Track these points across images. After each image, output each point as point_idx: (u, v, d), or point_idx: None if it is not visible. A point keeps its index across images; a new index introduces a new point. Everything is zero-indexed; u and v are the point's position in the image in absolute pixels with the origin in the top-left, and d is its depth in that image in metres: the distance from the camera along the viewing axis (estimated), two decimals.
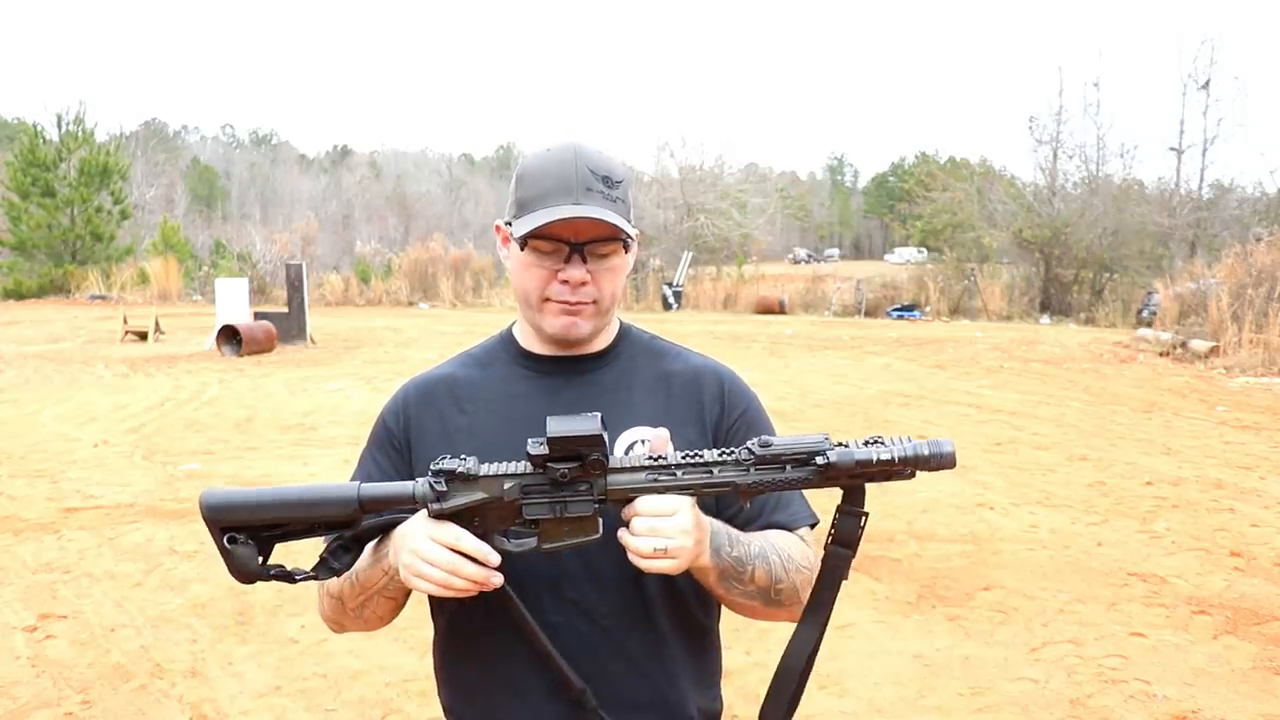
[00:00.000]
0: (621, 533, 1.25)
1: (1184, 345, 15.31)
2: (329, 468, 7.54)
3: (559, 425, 1.22)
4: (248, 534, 1.26)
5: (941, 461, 1.21)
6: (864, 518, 1.29)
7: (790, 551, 1.42)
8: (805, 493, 1.53)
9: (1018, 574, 5.25)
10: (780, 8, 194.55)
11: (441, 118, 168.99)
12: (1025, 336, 19.29)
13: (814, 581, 1.35)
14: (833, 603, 1.34)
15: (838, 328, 21.86)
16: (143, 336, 17.62)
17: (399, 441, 1.49)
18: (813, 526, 1.50)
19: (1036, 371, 13.82)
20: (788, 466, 1.24)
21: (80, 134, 32.67)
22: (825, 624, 1.34)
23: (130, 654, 4.24)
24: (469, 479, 1.26)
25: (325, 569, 1.32)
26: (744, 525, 1.41)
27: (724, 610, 1.51)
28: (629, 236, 1.42)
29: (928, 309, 26.04)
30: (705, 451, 1.27)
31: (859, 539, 1.30)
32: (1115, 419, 9.98)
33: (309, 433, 9.18)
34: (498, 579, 1.26)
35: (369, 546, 1.37)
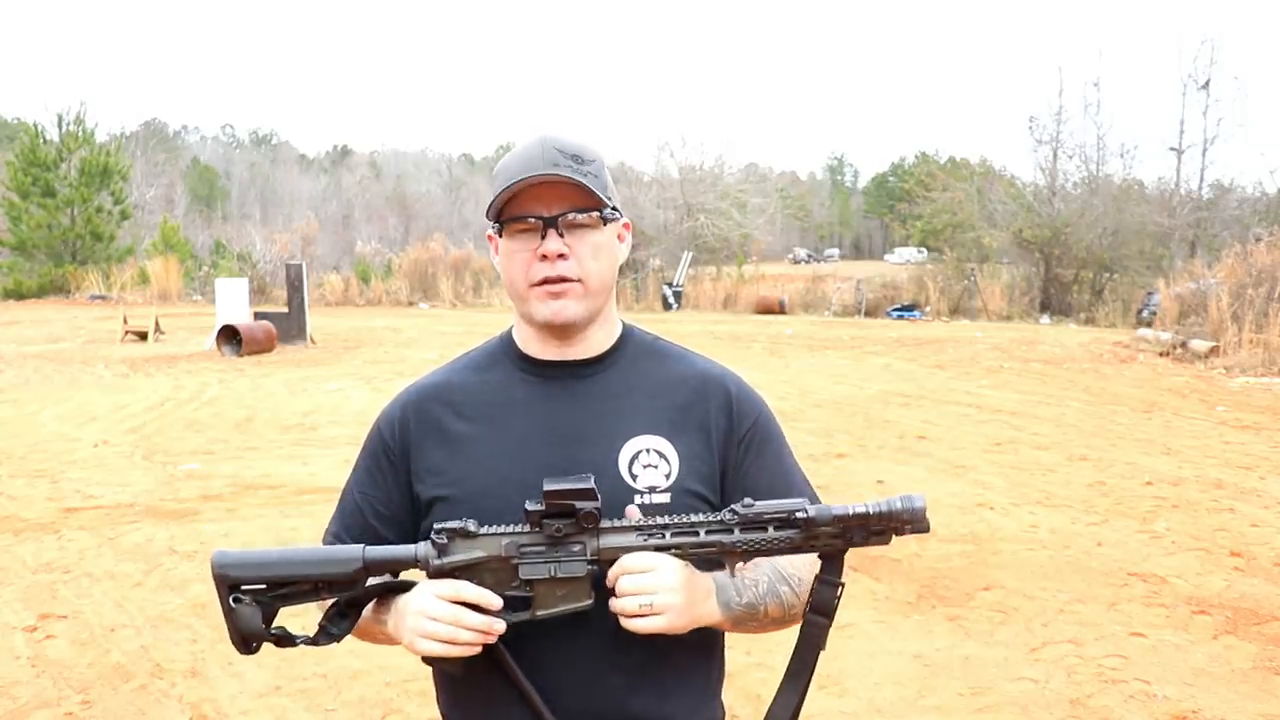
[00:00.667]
0: (612, 601, 1.28)
1: (1184, 345, 15.31)
2: (329, 468, 7.54)
3: (554, 483, 1.27)
4: (255, 595, 1.30)
5: (913, 517, 1.26)
6: (840, 588, 1.32)
7: (800, 574, 1.41)
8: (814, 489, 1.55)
9: (1018, 574, 5.25)
10: (780, 8, 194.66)
11: (441, 118, 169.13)
12: (1025, 336, 19.29)
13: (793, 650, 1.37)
14: (813, 667, 1.36)
15: (838, 328, 21.86)
16: (143, 336, 17.62)
17: (394, 454, 1.48)
18: None
19: (1036, 371, 13.82)
20: (770, 527, 1.27)
21: (80, 134, 32.67)
22: (805, 688, 1.36)
23: (130, 654, 4.24)
24: (469, 536, 1.29)
25: (324, 635, 1.34)
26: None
27: None
28: (604, 207, 1.41)
29: (928, 309, 26.04)
30: (692, 515, 1.30)
31: (835, 609, 1.33)
32: (1115, 419, 9.98)
33: (309, 433, 9.18)
34: (500, 626, 1.28)
35: (369, 607, 1.39)
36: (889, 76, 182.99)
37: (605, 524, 1.29)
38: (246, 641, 1.31)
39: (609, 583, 1.29)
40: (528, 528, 1.29)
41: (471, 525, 1.30)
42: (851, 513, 1.26)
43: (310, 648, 1.35)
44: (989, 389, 12.08)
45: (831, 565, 1.31)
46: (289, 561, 1.30)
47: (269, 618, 1.30)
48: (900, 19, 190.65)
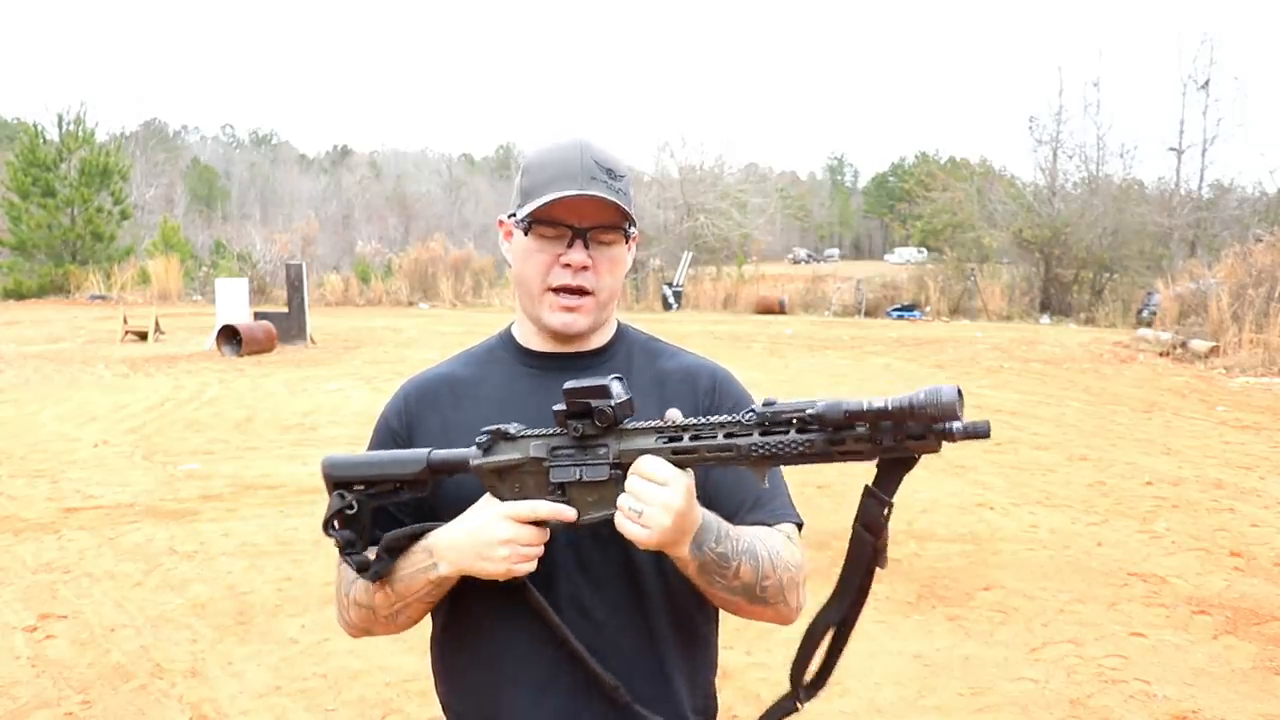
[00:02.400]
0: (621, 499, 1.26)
1: (1184, 345, 15.31)
2: None
3: (573, 382, 1.27)
4: (355, 494, 1.41)
5: (940, 411, 1.09)
6: (889, 507, 1.23)
7: (779, 550, 1.38)
8: (791, 494, 1.52)
9: (1018, 574, 5.25)
10: (780, 8, 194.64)
11: (441, 118, 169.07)
12: (1025, 336, 19.29)
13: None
14: (861, 588, 1.30)
15: (838, 328, 21.86)
16: (143, 336, 17.62)
17: (402, 440, 1.50)
18: (799, 528, 1.48)
19: (1036, 371, 13.82)
20: (792, 429, 1.18)
21: (80, 134, 32.66)
22: (851, 606, 1.31)
23: (130, 654, 4.24)
24: (509, 439, 1.33)
25: (371, 572, 1.39)
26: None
27: (723, 612, 1.50)
28: (631, 226, 1.45)
29: (928, 309, 26.05)
30: (712, 417, 1.24)
31: (882, 526, 1.24)
32: (1115, 419, 9.98)
33: (309, 433, 9.18)
34: (570, 513, 1.29)
35: (399, 561, 1.40)
36: (889, 76, 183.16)
37: (628, 426, 1.28)
38: (326, 523, 1.42)
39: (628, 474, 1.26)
40: (560, 430, 1.30)
41: (513, 428, 1.33)
42: (864, 407, 1.14)
43: (321, 587, 1.44)
44: (989, 389, 12.08)
45: (887, 477, 1.22)
46: (371, 464, 1.42)
47: (366, 514, 1.40)
48: (900, 19, 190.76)
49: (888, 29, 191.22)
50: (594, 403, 1.25)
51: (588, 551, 1.39)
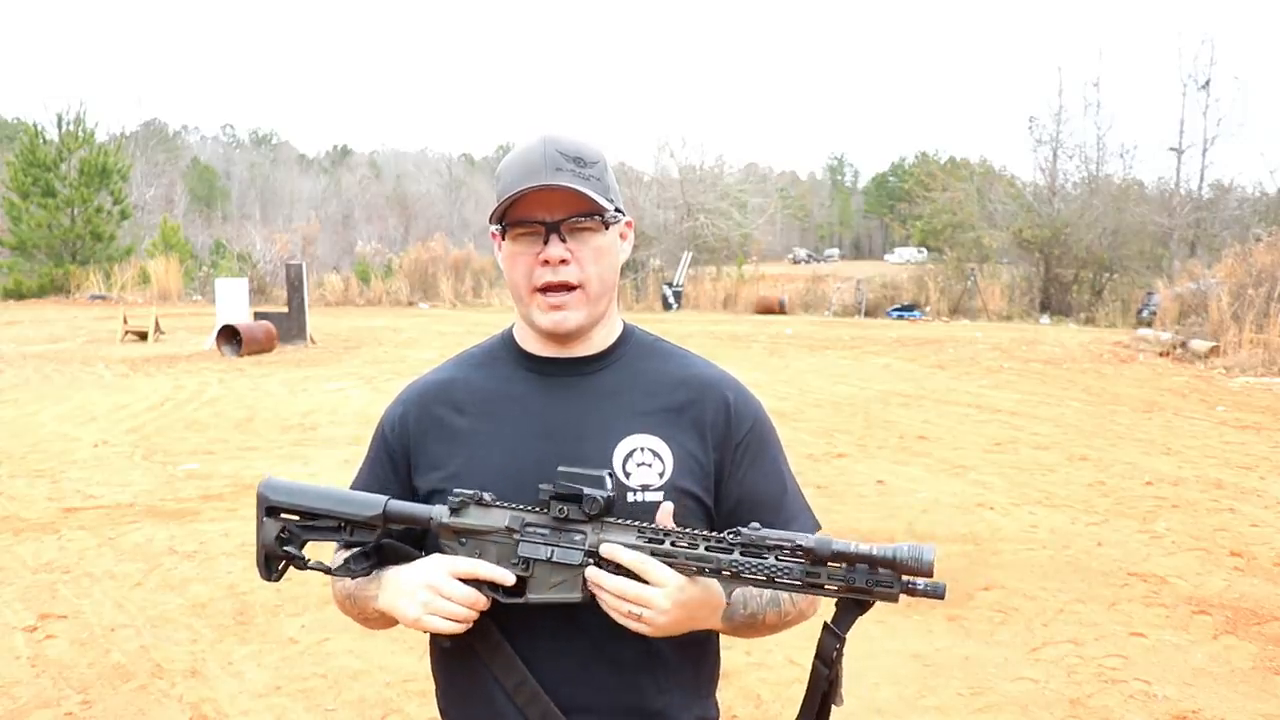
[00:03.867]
0: (606, 599, 1.28)
1: (1184, 345, 15.31)
2: (329, 468, 7.54)
3: (569, 468, 1.30)
4: (287, 522, 1.39)
5: (919, 567, 1.15)
6: (842, 641, 1.28)
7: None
8: (809, 503, 1.54)
9: (1018, 574, 5.25)
10: (780, 8, 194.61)
11: (441, 118, 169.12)
12: (1025, 336, 19.29)
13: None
14: (818, 712, 1.33)
15: (838, 328, 21.85)
16: (143, 336, 17.61)
17: (395, 451, 1.50)
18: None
19: (1036, 371, 13.82)
20: (772, 555, 1.23)
21: (80, 134, 32.63)
22: None
23: (130, 654, 4.24)
24: (482, 505, 1.33)
25: (344, 568, 1.40)
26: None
27: None
28: (606, 210, 1.41)
29: (928, 309, 26.05)
30: (696, 530, 1.28)
31: (835, 660, 1.30)
32: (1115, 419, 9.98)
33: (309, 433, 9.18)
34: (510, 577, 1.31)
35: (358, 582, 1.43)
36: (889, 76, 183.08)
37: (610, 520, 1.30)
38: (269, 562, 1.39)
39: (594, 583, 1.29)
40: (537, 508, 1.32)
41: (487, 495, 1.33)
42: (851, 550, 1.20)
43: (324, 574, 1.43)
44: (989, 389, 12.08)
45: (842, 617, 1.27)
46: (321, 496, 1.38)
47: (289, 543, 1.39)
48: (900, 19, 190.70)
49: (887, 29, 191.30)
50: (587, 490, 1.28)
51: None
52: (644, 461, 1.40)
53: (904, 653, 4.27)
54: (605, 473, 1.30)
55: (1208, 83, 28.28)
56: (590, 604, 1.30)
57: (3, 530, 6.04)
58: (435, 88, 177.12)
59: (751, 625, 1.40)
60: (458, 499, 1.33)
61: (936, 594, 1.18)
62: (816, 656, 1.32)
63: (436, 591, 1.30)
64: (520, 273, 1.42)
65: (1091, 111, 29.85)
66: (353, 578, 1.40)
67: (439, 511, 1.33)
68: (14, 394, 11.49)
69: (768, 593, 1.39)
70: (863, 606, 1.25)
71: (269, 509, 1.38)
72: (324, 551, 1.47)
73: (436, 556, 1.34)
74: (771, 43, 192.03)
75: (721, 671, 1.57)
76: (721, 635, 1.54)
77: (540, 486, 1.30)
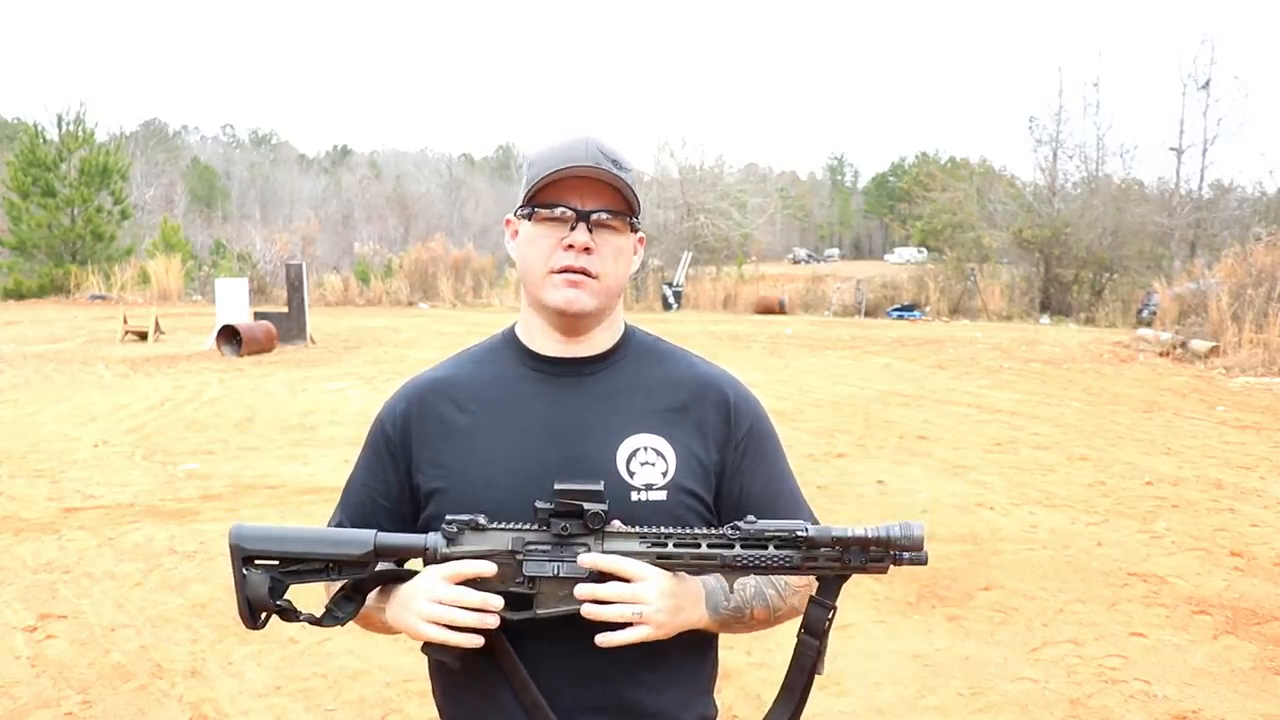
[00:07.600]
0: (595, 608, 1.29)
1: (1184, 345, 15.31)
2: (329, 468, 7.54)
3: (565, 484, 1.31)
4: (267, 568, 1.33)
5: (911, 544, 1.26)
6: (832, 611, 1.34)
7: (788, 579, 1.44)
8: (808, 502, 1.56)
9: (1018, 574, 5.25)
10: (780, 8, 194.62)
11: (441, 118, 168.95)
12: (1025, 336, 19.29)
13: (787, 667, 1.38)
14: (804, 689, 1.37)
15: (838, 328, 21.86)
16: (143, 336, 17.61)
17: (394, 447, 1.49)
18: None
19: (1036, 371, 13.82)
20: (771, 545, 1.29)
21: (80, 134, 32.62)
22: (796, 708, 1.37)
23: (130, 654, 4.24)
24: (478, 529, 1.32)
25: (329, 617, 1.37)
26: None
27: None
28: (635, 214, 1.44)
29: (928, 309, 26.05)
30: (696, 528, 1.32)
31: (825, 630, 1.34)
32: (1115, 419, 9.98)
33: (309, 433, 9.18)
34: (497, 601, 1.30)
35: (374, 593, 1.42)
36: (889, 76, 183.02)
37: (610, 529, 1.31)
38: (254, 613, 1.33)
39: (582, 596, 1.30)
40: (536, 525, 1.32)
41: (482, 519, 1.32)
42: (850, 534, 1.28)
43: (314, 626, 1.38)
44: (989, 389, 12.08)
45: (828, 588, 1.33)
46: (303, 539, 1.33)
47: (279, 593, 1.33)
48: (900, 19, 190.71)
49: (887, 29, 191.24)
50: (587, 505, 1.29)
51: None
52: (647, 461, 1.41)
53: (904, 653, 4.27)
54: (600, 484, 1.31)
55: (1208, 83, 28.29)
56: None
57: (3, 530, 6.04)
58: (435, 88, 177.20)
59: (740, 620, 1.41)
60: (453, 526, 1.32)
61: (920, 562, 1.29)
62: (803, 629, 1.35)
63: (429, 597, 1.31)
64: (540, 254, 1.42)
65: (1091, 111, 29.87)
66: (341, 625, 1.38)
67: (434, 541, 1.32)
68: (14, 394, 11.49)
69: (751, 587, 1.41)
70: (845, 577, 1.32)
71: (247, 559, 1.31)
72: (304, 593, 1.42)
73: (432, 568, 1.34)
74: (771, 43, 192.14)
75: (721, 671, 1.57)
76: (721, 635, 1.54)
77: (537, 505, 1.31)
